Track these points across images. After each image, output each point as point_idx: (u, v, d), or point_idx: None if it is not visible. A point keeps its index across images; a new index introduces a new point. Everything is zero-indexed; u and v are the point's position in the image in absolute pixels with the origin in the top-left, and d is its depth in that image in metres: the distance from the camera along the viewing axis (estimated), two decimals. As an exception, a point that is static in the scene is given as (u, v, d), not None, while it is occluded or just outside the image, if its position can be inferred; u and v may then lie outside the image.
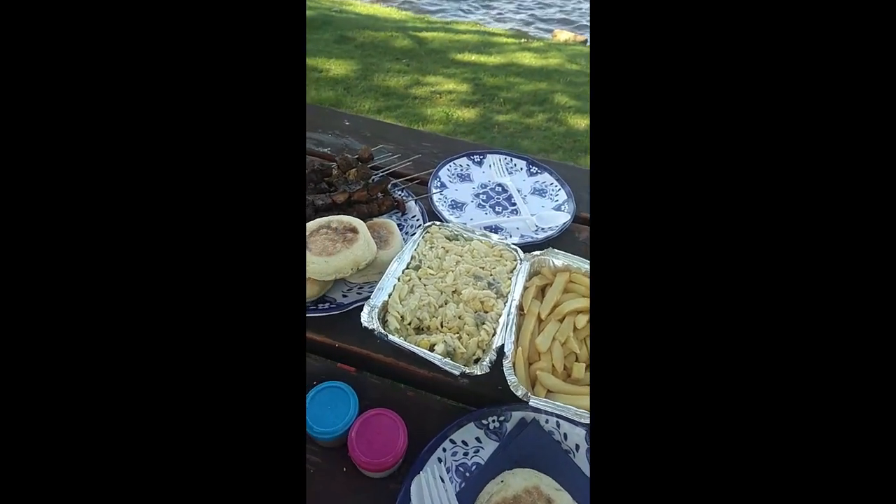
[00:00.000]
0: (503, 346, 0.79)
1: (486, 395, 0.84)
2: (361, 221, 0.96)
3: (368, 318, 0.82)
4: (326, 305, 0.92)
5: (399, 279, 0.89)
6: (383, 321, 0.84)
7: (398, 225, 1.09)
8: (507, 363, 0.77)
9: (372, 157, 1.17)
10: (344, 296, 0.95)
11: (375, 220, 1.04)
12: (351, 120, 1.42)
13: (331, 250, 0.89)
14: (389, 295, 0.87)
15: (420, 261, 0.93)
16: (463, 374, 0.75)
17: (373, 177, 1.13)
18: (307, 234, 0.93)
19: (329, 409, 0.74)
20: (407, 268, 0.92)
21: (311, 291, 0.91)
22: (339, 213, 1.04)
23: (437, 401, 0.84)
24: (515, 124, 3.17)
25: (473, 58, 4.05)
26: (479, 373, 0.75)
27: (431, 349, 0.80)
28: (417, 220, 1.09)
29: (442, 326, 0.84)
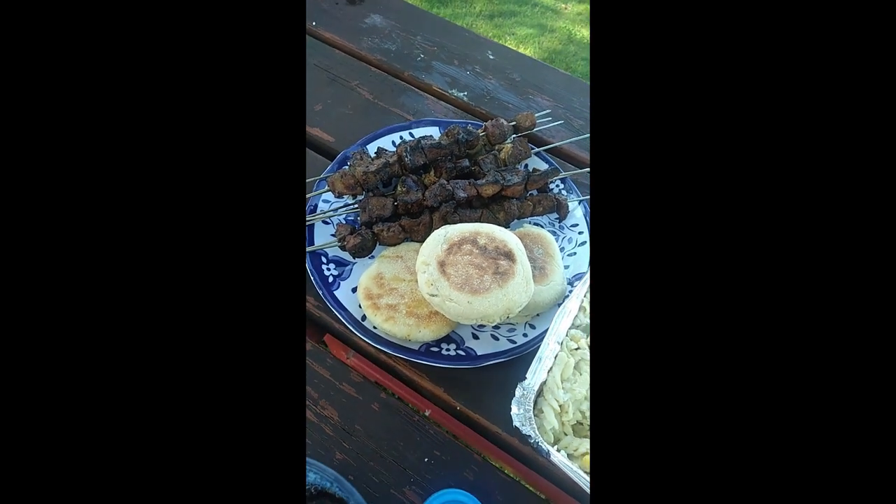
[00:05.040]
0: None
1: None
2: (519, 241, 0.68)
3: (522, 412, 0.57)
4: (453, 350, 0.68)
5: (563, 346, 0.63)
6: (536, 411, 0.60)
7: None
8: None
9: (534, 127, 0.85)
10: (475, 336, 0.70)
11: (528, 228, 0.76)
12: (498, 53, 1.07)
13: (476, 286, 0.63)
14: (549, 370, 0.61)
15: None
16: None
17: (527, 162, 0.83)
18: (446, 246, 0.66)
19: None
20: (573, 327, 0.65)
21: (436, 328, 0.67)
22: (475, 212, 0.76)
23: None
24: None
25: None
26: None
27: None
28: (581, 232, 0.80)
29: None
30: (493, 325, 0.68)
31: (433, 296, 0.64)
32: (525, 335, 0.69)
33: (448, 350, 0.68)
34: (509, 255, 0.65)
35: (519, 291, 0.64)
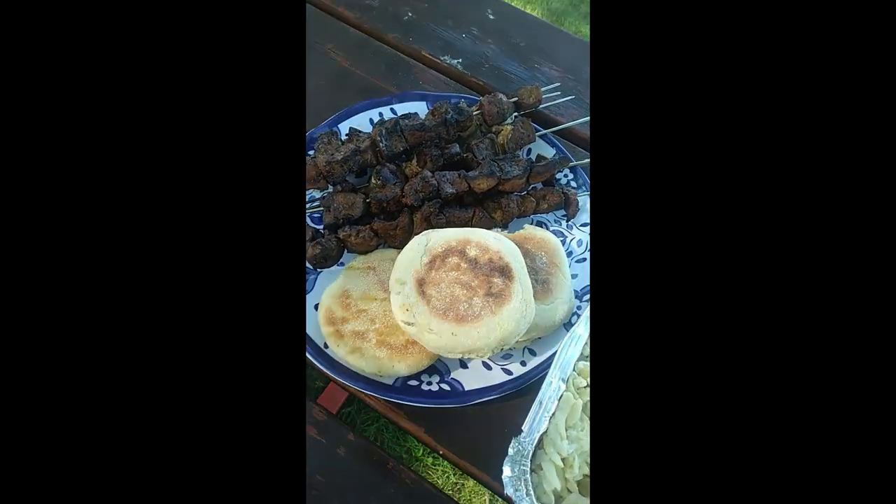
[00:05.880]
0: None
1: None
2: (518, 252, 0.55)
3: (516, 474, 0.46)
4: (435, 384, 0.56)
5: (569, 383, 0.51)
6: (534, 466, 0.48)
7: (556, 235, 0.67)
8: None
9: (539, 103, 0.71)
10: (463, 365, 0.58)
11: (529, 231, 0.63)
12: (499, 13, 0.91)
13: (463, 312, 0.51)
14: (551, 416, 0.50)
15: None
16: None
17: (530, 147, 0.69)
18: (427, 259, 0.53)
19: None
20: (582, 357, 0.53)
21: (413, 361, 0.55)
22: (466, 212, 0.63)
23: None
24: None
25: None
26: None
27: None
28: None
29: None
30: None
31: (409, 324, 0.51)
32: (523, 363, 0.58)
33: (430, 384, 0.56)
34: (505, 271, 0.53)
35: (516, 318, 0.51)
